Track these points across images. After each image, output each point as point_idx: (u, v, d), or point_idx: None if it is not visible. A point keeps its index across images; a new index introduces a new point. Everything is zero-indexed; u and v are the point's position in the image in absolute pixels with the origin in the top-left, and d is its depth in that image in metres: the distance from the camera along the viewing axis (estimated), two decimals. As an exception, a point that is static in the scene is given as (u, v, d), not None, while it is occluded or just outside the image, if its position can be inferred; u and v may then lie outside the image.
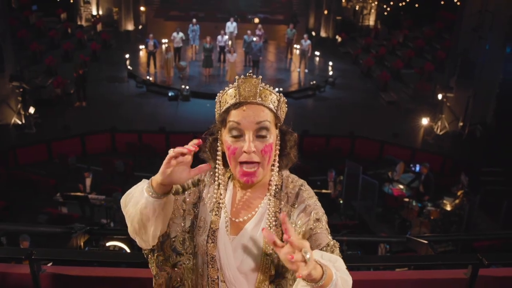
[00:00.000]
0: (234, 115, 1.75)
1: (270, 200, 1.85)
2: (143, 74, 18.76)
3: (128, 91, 17.84)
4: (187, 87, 17.02)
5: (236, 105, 1.75)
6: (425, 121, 14.83)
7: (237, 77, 1.78)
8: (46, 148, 13.05)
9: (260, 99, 1.75)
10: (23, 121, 14.07)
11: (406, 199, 11.03)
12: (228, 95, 1.78)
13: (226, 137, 1.79)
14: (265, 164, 1.78)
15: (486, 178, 12.58)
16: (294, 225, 1.80)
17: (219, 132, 1.85)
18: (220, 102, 1.81)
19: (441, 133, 15.25)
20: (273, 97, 1.79)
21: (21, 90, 13.89)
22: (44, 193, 11.19)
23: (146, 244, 1.85)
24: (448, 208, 10.70)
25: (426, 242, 3.25)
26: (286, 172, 1.92)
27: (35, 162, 12.72)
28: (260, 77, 1.78)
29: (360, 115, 16.62)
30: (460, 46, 15.06)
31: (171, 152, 1.61)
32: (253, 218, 1.85)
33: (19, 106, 14.03)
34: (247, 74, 1.79)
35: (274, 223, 1.82)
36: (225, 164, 1.89)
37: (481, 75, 14.10)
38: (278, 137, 1.84)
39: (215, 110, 1.85)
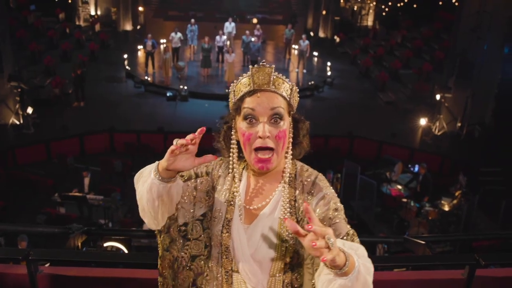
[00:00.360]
0: (248, 102, 1.79)
1: (284, 187, 1.87)
2: (142, 74, 18.75)
3: (126, 91, 17.82)
4: (186, 87, 17.01)
5: (250, 93, 1.80)
6: (423, 121, 14.85)
7: (250, 66, 1.83)
8: (44, 148, 13.04)
9: (273, 86, 1.79)
10: (21, 121, 14.05)
11: (404, 199, 11.04)
12: (242, 84, 1.83)
13: (240, 124, 1.83)
14: (279, 151, 1.81)
15: (484, 178, 12.59)
16: (318, 209, 1.82)
17: (233, 120, 1.88)
18: (234, 91, 1.86)
19: (439, 133, 15.26)
20: (285, 86, 1.83)
21: (19, 90, 13.88)
22: (43, 193, 11.18)
23: (154, 225, 1.92)
24: (446, 208, 10.72)
25: (423, 242, 3.25)
26: (299, 162, 1.95)
27: (33, 162, 12.70)
28: (273, 66, 1.82)
29: (358, 115, 16.63)
30: (458, 47, 15.09)
31: (175, 143, 1.66)
32: (268, 206, 1.87)
33: (17, 106, 14.01)
34: (261, 63, 1.83)
35: (289, 210, 1.84)
36: (239, 155, 1.93)
37: (480, 76, 14.12)
38: (291, 125, 1.87)
39: (229, 100, 1.90)
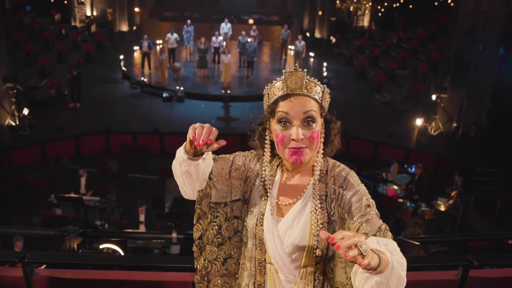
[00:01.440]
0: (282, 106, 1.85)
1: (315, 184, 1.94)
2: (138, 75, 18.74)
3: (122, 92, 17.81)
4: (182, 88, 17.00)
5: (284, 97, 1.85)
6: (419, 121, 14.87)
7: (284, 71, 1.87)
8: (40, 150, 13.01)
9: (306, 90, 1.85)
10: (17, 123, 14.03)
11: (400, 200, 11.06)
12: (276, 88, 1.88)
13: (275, 126, 1.89)
14: (312, 148, 1.88)
15: (480, 178, 12.60)
16: (350, 205, 1.87)
17: (268, 122, 1.95)
18: (268, 94, 1.92)
19: (435, 133, 15.30)
20: (317, 89, 1.88)
21: (15, 91, 13.85)
22: (39, 195, 11.16)
23: (187, 196, 2.09)
24: (442, 208, 10.74)
25: (418, 243, 3.27)
26: (332, 160, 2.03)
27: (29, 163, 12.68)
28: (305, 70, 1.86)
29: (354, 116, 16.61)
30: (454, 47, 15.12)
31: (198, 126, 1.75)
32: (299, 201, 1.94)
33: (13, 107, 13.98)
34: (294, 67, 1.88)
35: (319, 205, 1.90)
36: (272, 153, 2.02)
37: (475, 76, 14.16)
38: (323, 126, 1.95)
39: (263, 101, 1.95)
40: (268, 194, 1.99)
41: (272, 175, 2.01)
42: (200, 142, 1.71)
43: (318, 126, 1.87)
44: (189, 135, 1.76)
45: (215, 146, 1.78)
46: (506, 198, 11.11)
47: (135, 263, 3.23)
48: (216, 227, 2.10)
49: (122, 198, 10.91)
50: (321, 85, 1.89)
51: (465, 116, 14.50)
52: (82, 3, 23.99)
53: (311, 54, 21.39)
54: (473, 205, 10.60)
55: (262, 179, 2.02)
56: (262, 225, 1.96)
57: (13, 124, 13.98)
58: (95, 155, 13.25)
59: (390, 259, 1.54)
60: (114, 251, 4.98)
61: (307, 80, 1.84)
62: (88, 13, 24.09)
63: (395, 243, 1.65)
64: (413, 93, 17.81)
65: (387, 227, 1.81)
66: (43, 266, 3.06)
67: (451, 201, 10.77)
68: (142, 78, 18.25)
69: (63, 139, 13.57)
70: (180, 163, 1.91)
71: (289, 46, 21.31)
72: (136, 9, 24.50)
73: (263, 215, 1.97)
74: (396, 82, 19.58)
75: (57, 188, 11.03)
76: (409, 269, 3.35)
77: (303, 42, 19.28)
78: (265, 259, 1.99)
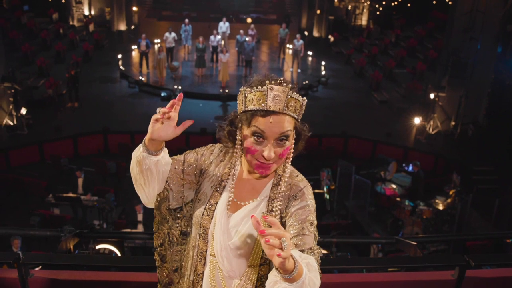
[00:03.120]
0: (260, 123, 1.80)
1: (273, 187, 1.95)
2: (136, 75, 18.72)
3: (120, 91, 17.79)
4: (180, 87, 16.99)
5: (263, 113, 1.79)
6: (417, 120, 14.88)
7: (267, 81, 1.80)
8: (38, 150, 13.00)
9: (286, 108, 1.80)
10: (15, 122, 14.01)
11: (399, 199, 11.06)
12: (255, 97, 1.81)
13: (248, 134, 1.85)
14: (279, 163, 1.89)
15: (478, 177, 12.64)
16: (290, 216, 1.88)
17: (241, 124, 1.90)
18: (245, 98, 1.84)
19: (433, 132, 15.30)
20: (297, 105, 1.83)
21: (12, 91, 13.83)
22: (37, 195, 11.15)
23: (147, 201, 2.06)
24: (441, 207, 10.76)
25: (415, 243, 3.26)
26: (291, 166, 2.00)
27: (27, 163, 12.67)
28: (290, 85, 1.81)
29: (352, 115, 16.66)
30: (451, 46, 15.12)
31: (158, 111, 1.78)
32: (253, 201, 1.95)
33: (10, 107, 13.96)
34: (280, 79, 1.81)
35: (271, 208, 1.91)
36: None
37: (473, 75, 14.17)
38: (294, 137, 1.91)
39: (238, 100, 1.90)
40: (223, 188, 1.99)
41: (231, 169, 2.01)
42: (167, 107, 1.77)
43: (290, 141, 1.86)
44: (155, 116, 1.78)
45: (187, 124, 1.83)
46: (504, 196, 11.12)
47: (131, 264, 3.22)
48: (178, 230, 2.10)
49: (120, 197, 10.90)
50: (301, 99, 1.84)
51: (463, 114, 14.51)
52: (80, 3, 23.96)
53: (309, 53, 21.40)
54: (471, 204, 10.61)
55: (220, 170, 2.02)
56: (208, 215, 1.95)
57: (11, 124, 13.95)
58: (93, 155, 13.24)
59: (305, 274, 1.55)
60: (111, 251, 4.97)
61: (289, 96, 1.79)
62: (86, 12, 24.06)
63: (316, 265, 1.67)
64: (411, 91, 17.82)
65: (319, 251, 1.82)
66: (39, 267, 3.04)
67: (449, 200, 10.78)
68: (140, 78, 18.23)
69: (61, 139, 13.56)
70: (139, 161, 1.89)
71: (287, 45, 21.30)
72: (134, 8, 24.48)
73: (212, 205, 1.96)
74: (394, 81, 19.60)
75: (55, 188, 11.02)
76: (406, 269, 3.36)
77: (301, 41, 19.26)
78: (206, 250, 1.98)
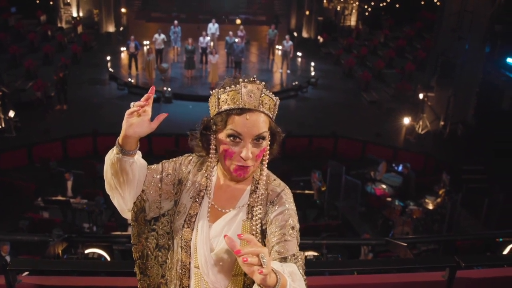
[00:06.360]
0: (236, 123, 1.77)
1: (251, 193, 1.91)
2: (125, 76, 18.64)
3: (109, 93, 17.69)
4: (169, 89, 16.93)
5: (238, 111, 1.77)
6: (406, 120, 14.95)
7: (241, 79, 1.79)
8: (26, 153, 12.89)
9: (261, 106, 1.78)
10: (3, 125, 13.88)
11: (389, 199, 11.09)
12: (229, 97, 1.79)
13: (223, 136, 1.82)
14: (256, 164, 1.86)
15: (467, 176, 12.70)
16: (270, 224, 1.84)
17: (215, 127, 1.86)
18: (218, 99, 1.82)
19: (422, 132, 15.37)
20: (271, 103, 1.82)
21: (0, 93, 13.71)
22: (25, 198, 11.05)
23: (123, 207, 2.01)
24: (430, 207, 10.80)
25: (405, 244, 3.27)
26: (267, 170, 1.95)
27: (15, 166, 12.56)
28: (263, 83, 1.80)
29: (342, 115, 16.70)
30: (440, 46, 15.21)
31: (132, 106, 1.76)
32: (233, 209, 1.91)
33: (-2, 110, 13.86)
34: (252, 78, 1.81)
35: (251, 215, 1.87)
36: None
37: (461, 75, 14.26)
38: (269, 138, 1.87)
39: (210, 104, 1.88)
40: (202, 198, 1.95)
41: (209, 178, 1.97)
42: (141, 100, 1.75)
43: (266, 142, 1.83)
44: (129, 110, 1.76)
45: (161, 118, 1.81)
46: (493, 195, 11.19)
47: (120, 270, 3.19)
48: (153, 243, 2.05)
49: (110, 200, 10.79)
50: (275, 98, 1.84)
51: (452, 114, 14.60)
52: (68, 4, 23.83)
53: (299, 53, 21.44)
54: (461, 203, 10.66)
55: (198, 180, 1.98)
56: (189, 227, 1.91)
57: (-1, 126, 13.86)
58: (83, 157, 13.15)
59: (289, 285, 1.51)
60: (100, 255, 4.93)
61: (263, 94, 1.78)
62: (74, 14, 23.93)
63: (299, 274, 1.63)
64: (400, 92, 17.91)
65: (302, 256, 1.77)
66: (26, 273, 3.01)
67: (439, 200, 10.83)
68: (130, 79, 18.16)
69: (50, 141, 13.46)
70: (114, 164, 1.85)
71: (277, 46, 21.32)
72: (123, 10, 24.37)
73: (192, 216, 1.92)
74: (383, 81, 19.70)
75: (44, 191, 10.92)
76: (396, 270, 3.36)
77: (290, 42, 19.28)
78: (190, 263, 1.94)
